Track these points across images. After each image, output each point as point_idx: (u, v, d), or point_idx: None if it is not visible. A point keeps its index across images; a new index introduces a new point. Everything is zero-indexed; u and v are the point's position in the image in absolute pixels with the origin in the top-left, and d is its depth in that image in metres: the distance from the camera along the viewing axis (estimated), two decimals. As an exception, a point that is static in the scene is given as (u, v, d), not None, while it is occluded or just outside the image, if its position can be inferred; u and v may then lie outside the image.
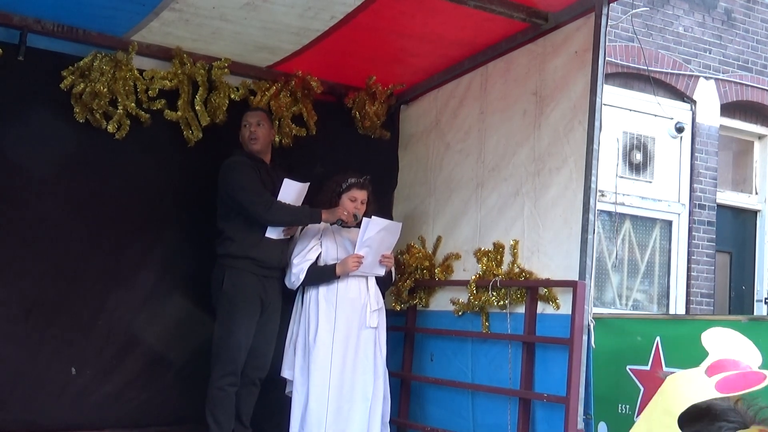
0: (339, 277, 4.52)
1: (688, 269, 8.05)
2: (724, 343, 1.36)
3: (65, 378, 4.45)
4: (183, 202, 4.82)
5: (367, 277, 4.61)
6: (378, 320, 4.59)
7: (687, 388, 1.24)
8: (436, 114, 5.27)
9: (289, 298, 4.66)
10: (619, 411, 4.19)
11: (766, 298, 8.55)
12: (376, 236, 4.51)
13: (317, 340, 4.44)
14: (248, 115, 4.72)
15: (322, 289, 4.53)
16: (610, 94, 7.12)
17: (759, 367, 1.29)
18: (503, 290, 4.43)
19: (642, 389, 4.12)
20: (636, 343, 4.21)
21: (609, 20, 4.14)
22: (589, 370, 3.94)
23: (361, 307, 4.54)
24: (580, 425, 3.85)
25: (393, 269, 4.83)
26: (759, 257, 8.73)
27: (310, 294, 4.55)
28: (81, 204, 4.55)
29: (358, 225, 4.57)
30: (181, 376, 4.73)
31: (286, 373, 4.55)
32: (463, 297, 4.70)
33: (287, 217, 4.53)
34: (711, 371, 1.26)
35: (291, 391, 4.52)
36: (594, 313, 4.03)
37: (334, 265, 4.53)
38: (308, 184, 4.65)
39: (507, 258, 4.47)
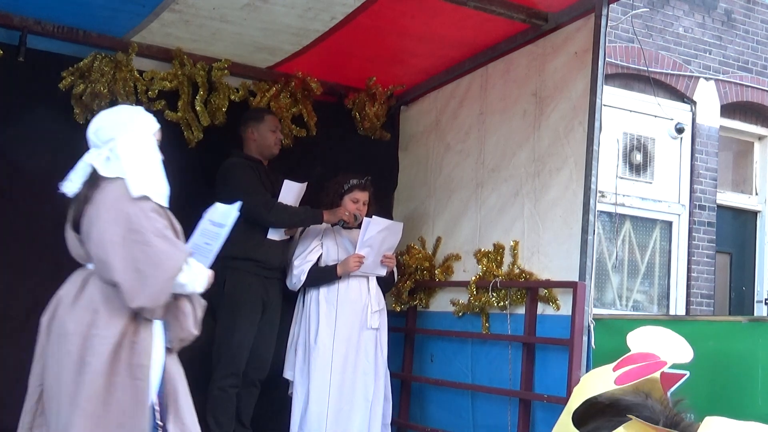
0: (340, 278, 4.52)
1: (689, 270, 8.05)
2: (649, 340, 1.32)
3: (65, 379, 4.44)
4: (184, 202, 4.81)
5: (368, 278, 4.61)
6: (379, 321, 4.59)
7: (589, 383, 1.22)
8: (436, 115, 5.27)
9: (290, 300, 4.66)
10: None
11: (766, 299, 8.55)
12: (377, 236, 4.51)
13: (318, 341, 4.44)
14: (276, 120, 4.76)
15: (323, 290, 4.53)
16: (610, 94, 7.12)
17: (690, 363, 1.25)
18: (503, 291, 4.43)
19: (642, 390, 4.12)
20: (636, 343, 4.20)
21: (609, 21, 4.14)
22: (589, 370, 3.93)
23: (362, 308, 4.54)
24: (581, 426, 3.85)
25: (395, 270, 4.83)
26: (759, 258, 8.72)
27: (311, 295, 4.55)
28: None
29: (359, 226, 4.57)
30: (181, 377, 4.73)
31: (288, 374, 4.55)
32: (463, 298, 4.70)
33: (289, 219, 4.53)
34: (619, 366, 1.23)
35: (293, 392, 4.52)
36: (594, 314, 4.03)
37: (335, 265, 4.53)
38: (306, 184, 4.65)
39: (507, 259, 4.47)
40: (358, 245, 4.50)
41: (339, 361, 4.44)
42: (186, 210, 4.81)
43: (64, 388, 2.68)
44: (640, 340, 1.31)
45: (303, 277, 4.52)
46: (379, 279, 4.68)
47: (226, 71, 4.84)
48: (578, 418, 1.14)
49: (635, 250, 7.94)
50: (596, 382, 1.19)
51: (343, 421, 4.41)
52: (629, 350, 1.29)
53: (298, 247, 4.62)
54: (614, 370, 1.20)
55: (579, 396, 1.16)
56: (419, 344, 5.06)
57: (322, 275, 4.54)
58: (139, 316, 2.79)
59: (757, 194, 8.81)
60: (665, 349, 1.28)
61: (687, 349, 1.29)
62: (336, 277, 4.51)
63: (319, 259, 4.60)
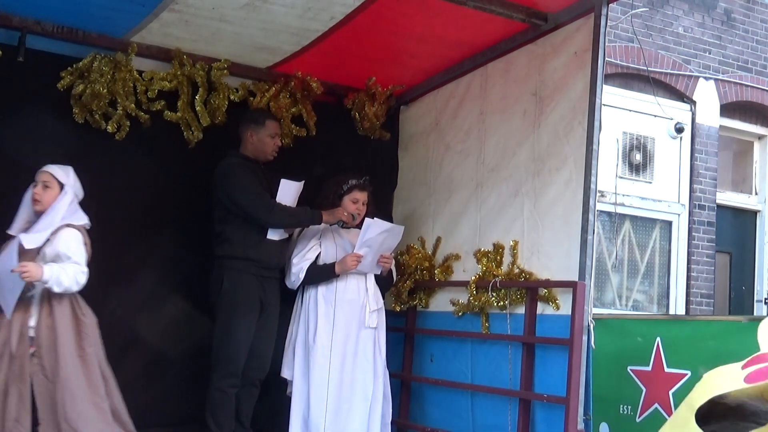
0: (338, 276, 4.52)
1: (688, 270, 8.05)
2: None
3: (65, 379, 4.44)
4: (183, 203, 4.82)
5: (366, 278, 4.61)
6: (377, 320, 4.59)
7: (715, 380, 1.15)
8: (435, 115, 5.27)
9: (288, 299, 4.66)
10: (621, 412, 4.20)
11: (766, 299, 8.55)
12: (377, 237, 4.51)
13: (316, 340, 4.44)
14: (277, 126, 4.74)
15: (321, 289, 4.53)
16: (610, 94, 7.13)
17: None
18: (503, 291, 4.42)
19: (644, 390, 4.12)
20: (637, 343, 4.21)
21: (608, 21, 4.14)
22: (588, 370, 3.93)
23: (360, 307, 4.55)
24: (580, 426, 3.85)
25: (394, 270, 4.83)
26: (759, 258, 8.73)
27: (309, 294, 4.55)
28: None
29: (359, 226, 4.57)
30: (181, 378, 4.73)
31: (285, 374, 4.55)
32: (462, 298, 4.70)
33: (289, 219, 4.54)
34: (748, 364, 1.16)
35: (291, 392, 4.52)
36: (594, 314, 4.03)
37: (334, 263, 4.53)
38: (303, 182, 4.66)
39: (507, 258, 4.47)
40: (357, 245, 4.51)
41: (337, 360, 4.44)
42: (186, 210, 4.83)
43: None
44: None
45: (302, 275, 4.52)
46: (378, 279, 4.68)
47: (225, 71, 4.83)
48: (701, 416, 1.09)
49: (635, 250, 7.94)
50: (724, 379, 1.15)
51: (343, 420, 4.41)
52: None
53: (296, 246, 4.62)
54: (743, 368, 1.16)
55: (705, 392, 1.11)
56: (419, 344, 5.06)
57: (321, 273, 4.54)
58: None
59: (756, 194, 8.82)
60: None
61: None
62: (334, 275, 4.51)
63: (317, 257, 4.60)
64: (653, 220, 8.03)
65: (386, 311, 4.78)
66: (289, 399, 4.51)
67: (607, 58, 4.21)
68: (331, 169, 4.96)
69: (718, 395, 1.10)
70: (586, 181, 4.01)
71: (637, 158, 7.91)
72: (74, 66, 4.49)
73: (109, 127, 4.56)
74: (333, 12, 4.25)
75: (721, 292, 8.48)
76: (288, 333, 4.61)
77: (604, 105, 4.11)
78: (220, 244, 4.50)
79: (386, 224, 4.61)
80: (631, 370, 4.19)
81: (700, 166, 8.16)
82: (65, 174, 3.98)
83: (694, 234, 8.09)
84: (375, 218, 4.55)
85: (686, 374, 3.83)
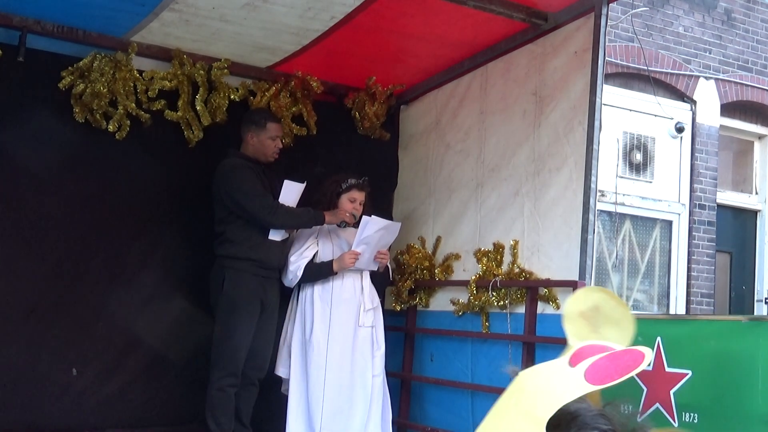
0: (336, 273, 4.53)
1: (689, 269, 8.05)
2: (587, 322, 1.13)
3: (66, 379, 4.44)
4: (184, 202, 4.82)
5: (362, 277, 4.62)
6: (373, 319, 4.60)
7: (554, 385, 1.01)
8: (435, 114, 5.27)
9: (285, 298, 4.66)
10: (622, 411, 4.20)
11: (766, 298, 8.55)
12: (375, 235, 4.52)
13: (312, 340, 4.45)
14: (279, 128, 4.73)
15: (317, 288, 4.54)
16: (610, 94, 7.13)
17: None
18: (503, 290, 4.43)
19: (645, 389, 4.12)
20: (637, 343, 4.20)
21: (609, 20, 4.14)
22: (589, 370, 3.93)
23: (356, 306, 4.56)
24: (581, 425, 3.85)
25: (390, 267, 4.84)
26: (759, 257, 8.73)
27: (306, 293, 4.56)
28: (82, 204, 4.55)
29: (356, 225, 4.58)
30: (182, 377, 4.73)
31: (280, 371, 4.56)
32: (463, 297, 4.70)
33: (292, 221, 4.54)
34: (575, 359, 1.04)
35: (287, 389, 4.52)
36: (594, 313, 4.02)
37: (331, 261, 4.54)
38: (305, 183, 4.66)
39: (507, 258, 4.47)
40: (355, 242, 4.52)
41: (334, 359, 4.44)
42: (187, 209, 4.83)
43: None
44: (577, 322, 1.13)
45: (299, 273, 4.52)
46: (374, 276, 4.69)
47: (226, 71, 4.83)
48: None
49: (635, 250, 7.94)
50: (563, 382, 1.01)
51: (343, 420, 4.42)
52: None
53: (294, 245, 4.63)
54: (572, 365, 1.06)
55: (547, 399, 0.99)
56: (419, 344, 5.07)
57: (318, 271, 4.55)
58: None
59: (757, 193, 8.82)
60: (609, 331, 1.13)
61: (628, 328, 1.13)
62: (332, 273, 4.52)
63: (314, 255, 4.61)
64: (653, 220, 8.04)
65: (387, 311, 4.78)
66: (285, 397, 4.51)
67: (607, 58, 4.21)
68: (331, 169, 4.96)
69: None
70: (587, 181, 4.01)
71: (638, 158, 7.91)
72: (75, 65, 4.49)
73: (110, 126, 4.56)
74: (333, 12, 4.25)
75: (722, 292, 8.48)
76: (282, 331, 4.62)
77: (604, 105, 4.11)
78: (221, 244, 4.50)
79: (383, 221, 4.62)
80: (631, 369, 4.18)
81: (701, 166, 8.16)
82: None
83: (694, 234, 8.09)
84: (372, 215, 4.56)
85: (687, 374, 3.83)
